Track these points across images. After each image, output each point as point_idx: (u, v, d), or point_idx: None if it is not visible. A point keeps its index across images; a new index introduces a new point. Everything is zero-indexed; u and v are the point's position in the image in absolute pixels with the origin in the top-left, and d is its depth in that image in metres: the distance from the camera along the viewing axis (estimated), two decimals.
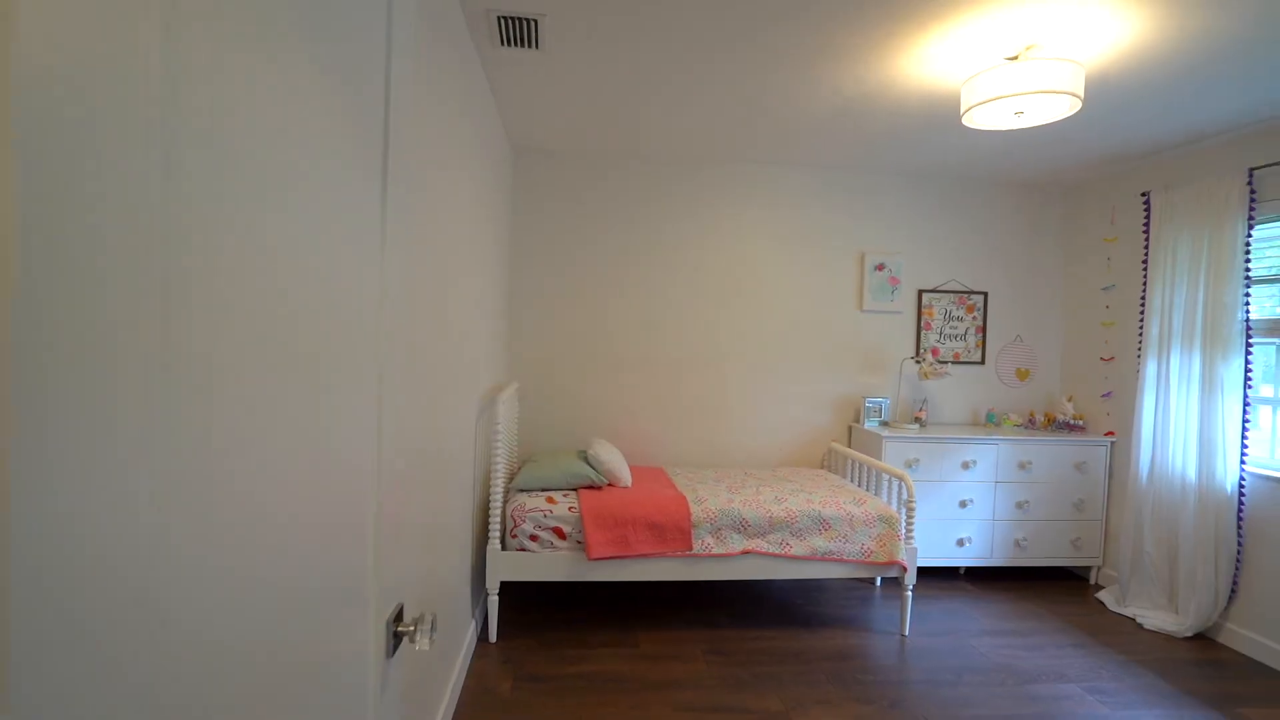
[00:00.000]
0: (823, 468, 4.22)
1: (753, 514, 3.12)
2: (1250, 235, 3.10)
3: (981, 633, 3.25)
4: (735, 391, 4.16)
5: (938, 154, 3.73)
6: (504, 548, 3.06)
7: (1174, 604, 3.42)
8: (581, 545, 3.04)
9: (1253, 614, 3.13)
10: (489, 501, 2.98)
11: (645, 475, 3.67)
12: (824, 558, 3.12)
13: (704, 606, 3.44)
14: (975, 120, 2.43)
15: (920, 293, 4.25)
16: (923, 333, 4.26)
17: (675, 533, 3.06)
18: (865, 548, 3.14)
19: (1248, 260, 3.11)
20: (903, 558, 3.13)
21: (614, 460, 3.38)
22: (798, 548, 3.11)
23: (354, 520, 0.88)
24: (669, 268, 4.09)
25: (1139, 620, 3.43)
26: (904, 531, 3.19)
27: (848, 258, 4.21)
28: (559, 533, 3.04)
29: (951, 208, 4.28)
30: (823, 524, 3.14)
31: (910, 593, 3.17)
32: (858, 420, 4.20)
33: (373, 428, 0.94)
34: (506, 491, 3.32)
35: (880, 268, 4.19)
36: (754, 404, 4.17)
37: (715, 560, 3.08)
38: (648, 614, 3.33)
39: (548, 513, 3.05)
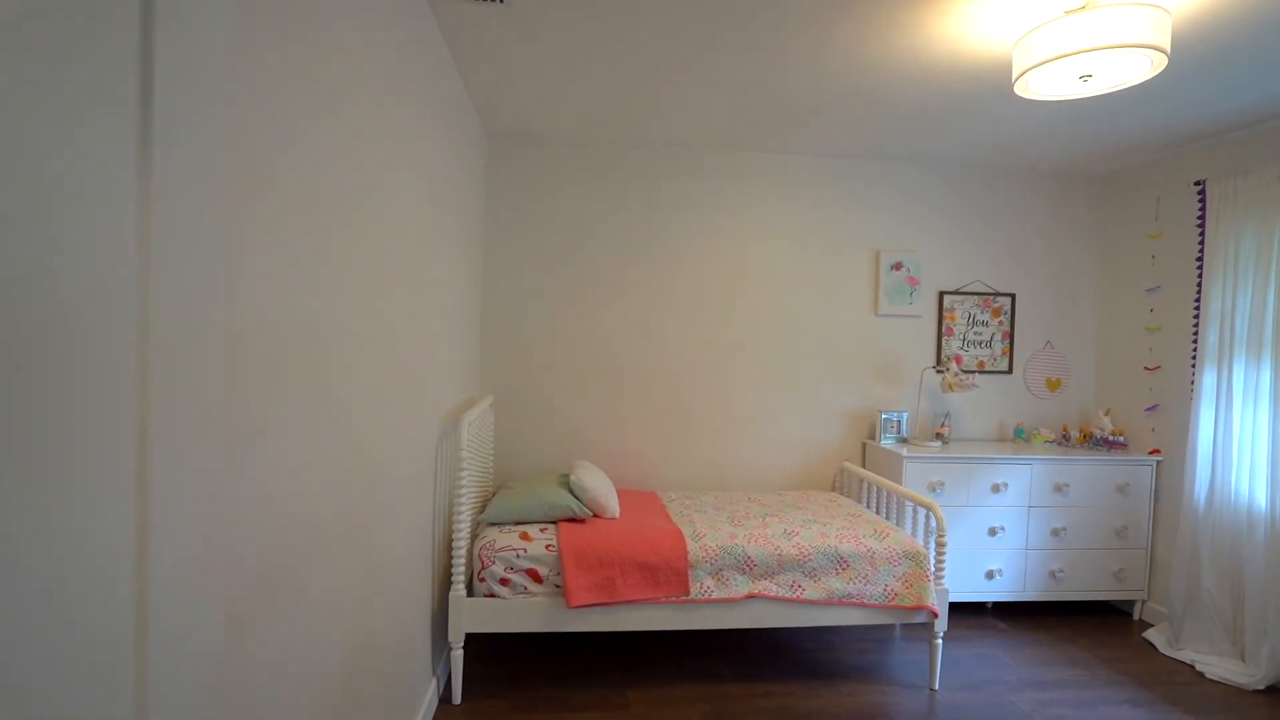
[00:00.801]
0: (834, 489, 3.80)
1: (759, 551, 2.69)
2: None
3: (1022, 685, 2.83)
4: (737, 405, 3.73)
5: (968, 137, 3.30)
6: (471, 593, 2.63)
7: (1239, 649, 2.99)
8: (560, 589, 2.61)
9: None
10: (453, 539, 2.56)
11: (636, 503, 3.24)
12: (841, 602, 2.69)
13: (703, 655, 3.01)
14: (1031, 88, 2.01)
15: (941, 294, 3.83)
16: (944, 339, 3.84)
17: (669, 575, 2.63)
18: (889, 589, 2.72)
19: None
20: (932, 602, 2.70)
21: (599, 488, 2.95)
22: (811, 590, 2.69)
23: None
24: (664, 268, 3.66)
25: (1199, 668, 3.01)
26: (933, 570, 2.77)
27: (861, 256, 3.79)
28: (534, 575, 2.61)
29: (974, 200, 3.86)
30: (840, 562, 2.72)
31: (940, 640, 2.75)
32: (873, 436, 3.78)
33: (123, 507, 0.51)
34: (475, 526, 2.88)
35: (897, 267, 3.77)
36: (758, 418, 3.75)
37: (716, 606, 2.65)
38: (638, 665, 2.90)
39: (521, 551, 2.62)
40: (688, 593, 2.63)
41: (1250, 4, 1.97)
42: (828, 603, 2.68)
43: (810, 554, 2.71)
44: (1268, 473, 2.88)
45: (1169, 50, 1.79)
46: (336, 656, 1.50)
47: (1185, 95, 2.69)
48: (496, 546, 2.62)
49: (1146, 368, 3.62)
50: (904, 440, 3.67)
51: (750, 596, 2.65)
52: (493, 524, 2.84)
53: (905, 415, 3.68)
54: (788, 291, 3.74)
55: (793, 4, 2.06)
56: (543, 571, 2.61)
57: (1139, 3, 1.75)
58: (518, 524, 2.84)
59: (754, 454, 3.75)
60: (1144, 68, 1.86)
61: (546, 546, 2.65)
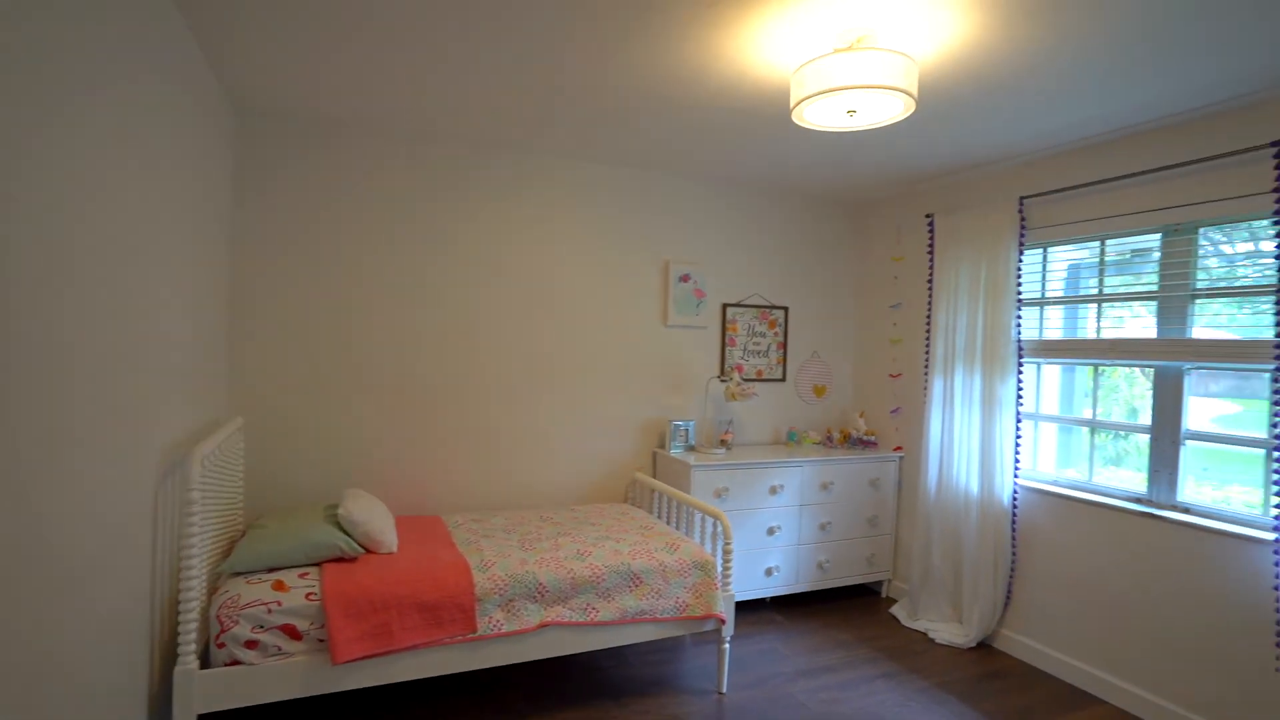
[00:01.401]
0: (626, 500, 3.81)
1: (551, 576, 2.56)
2: (1021, 261, 3.25)
3: (797, 674, 3.03)
4: (529, 418, 3.57)
5: (752, 157, 3.48)
6: (207, 664, 2.17)
7: (959, 615, 3.51)
8: (324, 645, 2.25)
9: (1023, 619, 3.28)
10: (180, 600, 2.08)
11: (417, 531, 2.94)
12: (635, 619, 2.67)
13: (495, 690, 2.81)
14: (807, 118, 2.12)
15: (725, 306, 4.03)
16: (727, 349, 4.04)
17: (454, 612, 2.40)
18: (680, 601, 2.75)
19: (1019, 284, 3.25)
20: (720, 609, 2.78)
21: (373, 520, 2.62)
22: (605, 611, 2.62)
23: None
24: (449, 274, 3.38)
25: (931, 635, 3.47)
26: (721, 577, 2.85)
27: (652, 267, 3.84)
28: (291, 632, 2.22)
29: (755, 217, 4.11)
30: (633, 579, 2.69)
31: (728, 645, 2.84)
32: (663, 445, 3.86)
33: None
34: (214, 579, 2.40)
35: (685, 279, 3.89)
36: (550, 431, 3.62)
37: (507, 640, 2.47)
38: (423, 715, 2.62)
39: (274, 605, 2.21)
40: (475, 630, 2.42)
41: (968, 71, 2.27)
42: (621, 622, 2.64)
43: (604, 574, 2.64)
44: (978, 465, 3.40)
45: (916, 94, 1.98)
46: None
47: (920, 139, 3.07)
48: (241, 602, 2.19)
49: (891, 375, 4.13)
50: (692, 448, 3.79)
51: (543, 625, 2.51)
52: (238, 574, 2.38)
53: (692, 424, 3.80)
54: (581, 301, 3.67)
55: (584, 6, 1.96)
56: (302, 626, 2.23)
57: (894, 51, 1.91)
58: (271, 571, 2.41)
59: (547, 468, 3.63)
60: (898, 109, 2.04)
61: (307, 595, 2.27)
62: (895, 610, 3.77)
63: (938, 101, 2.59)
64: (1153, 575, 2.74)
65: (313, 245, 3.14)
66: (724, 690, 2.85)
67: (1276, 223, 2.33)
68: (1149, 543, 2.76)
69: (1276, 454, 2.32)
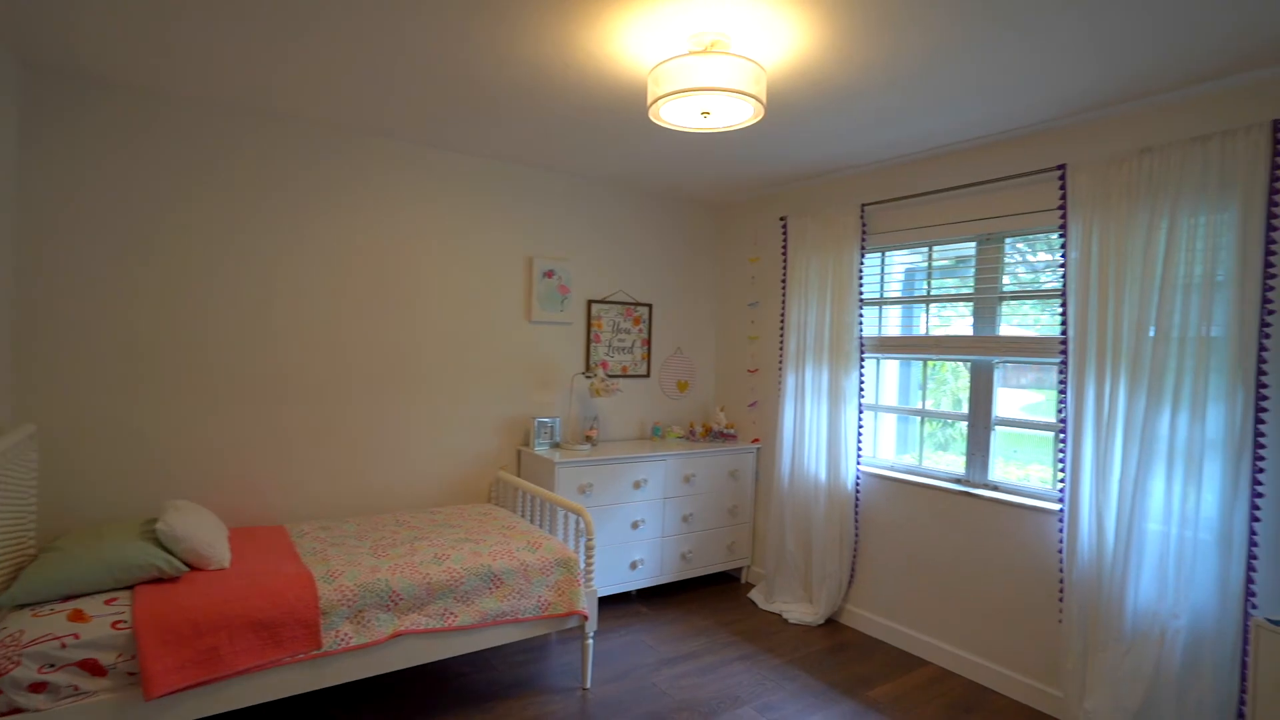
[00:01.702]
0: (490, 500, 3.71)
1: (405, 583, 2.44)
2: (863, 263, 3.52)
3: (660, 664, 3.10)
4: (386, 417, 3.38)
5: (612, 154, 3.50)
6: None
7: (809, 595, 3.74)
8: (136, 679, 1.99)
9: (864, 595, 3.56)
10: None
11: (255, 543, 2.69)
12: (496, 621, 2.60)
13: (347, 710, 2.63)
14: (663, 116, 2.16)
15: (590, 303, 4.03)
16: (592, 345, 4.05)
17: (295, 629, 2.22)
18: (542, 600, 2.71)
19: (861, 285, 3.52)
20: (583, 605, 2.78)
21: (199, 532, 2.36)
22: (464, 615, 2.53)
23: None
24: (291, 259, 3.12)
25: (784, 615, 3.68)
26: (583, 574, 2.85)
27: (515, 262, 3.76)
28: (92, 667, 1.95)
29: (619, 216, 4.15)
30: (493, 581, 2.62)
31: (591, 640, 2.85)
32: (528, 443, 3.79)
33: None
34: None
35: (549, 274, 3.84)
36: (410, 430, 3.45)
37: (356, 655, 2.32)
38: None
39: (69, 639, 1.93)
40: (320, 646, 2.25)
41: (812, 83, 2.42)
42: (482, 625, 2.56)
43: (462, 577, 2.55)
44: (826, 453, 3.64)
45: (765, 100, 2.07)
46: None
47: (773, 145, 3.23)
48: (25, 639, 1.89)
49: (749, 370, 4.32)
50: (557, 445, 3.76)
51: (397, 635, 2.38)
52: (23, 606, 2.06)
53: (558, 420, 3.77)
54: (440, 295, 3.52)
55: None
56: (107, 660, 1.96)
57: (746, 57, 1.99)
58: (67, 600, 2.10)
59: (405, 469, 3.45)
60: (748, 113, 2.13)
61: (114, 624, 2.00)
62: (753, 595, 3.95)
63: (787, 109, 2.74)
64: (968, 546, 3.07)
65: (127, 225, 2.77)
66: (588, 686, 2.85)
67: (1061, 236, 2.68)
68: (965, 518, 3.09)
69: (1061, 436, 2.67)
